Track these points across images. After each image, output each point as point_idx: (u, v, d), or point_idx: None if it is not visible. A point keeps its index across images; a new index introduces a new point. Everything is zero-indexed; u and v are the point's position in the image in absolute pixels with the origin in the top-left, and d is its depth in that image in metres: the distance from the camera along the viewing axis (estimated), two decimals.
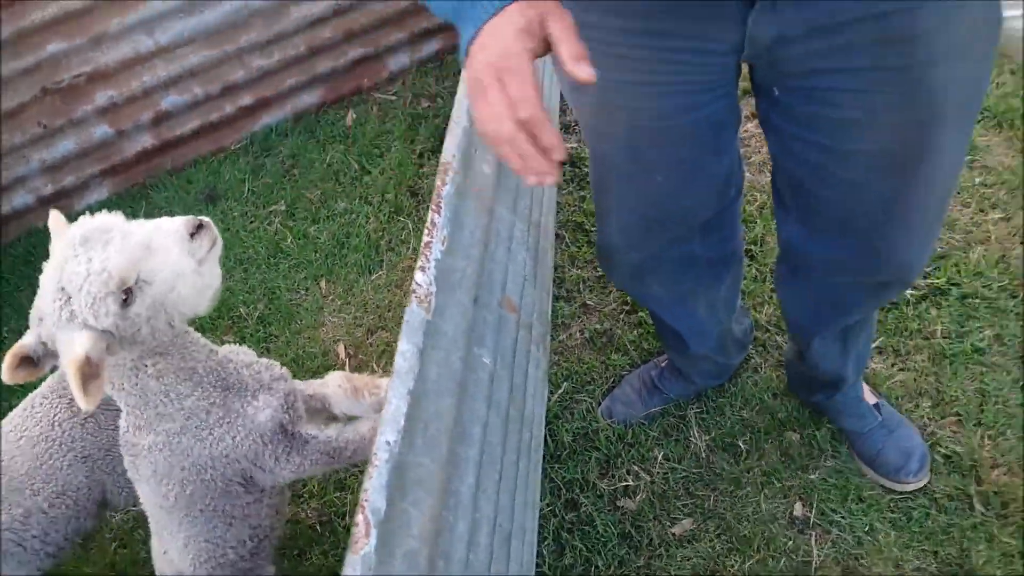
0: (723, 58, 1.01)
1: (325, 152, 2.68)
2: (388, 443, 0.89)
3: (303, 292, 2.24)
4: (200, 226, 1.08)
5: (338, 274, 2.26)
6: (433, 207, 1.14)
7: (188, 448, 1.16)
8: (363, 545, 0.80)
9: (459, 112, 1.28)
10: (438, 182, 1.17)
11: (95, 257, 0.99)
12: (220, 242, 1.12)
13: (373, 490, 0.84)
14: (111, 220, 1.05)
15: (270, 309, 2.21)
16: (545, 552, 1.59)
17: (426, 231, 1.11)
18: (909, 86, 0.93)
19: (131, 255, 1.01)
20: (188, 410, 1.15)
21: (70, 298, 1.00)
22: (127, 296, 1.01)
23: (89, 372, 1.00)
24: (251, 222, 2.48)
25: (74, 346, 0.99)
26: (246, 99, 2.73)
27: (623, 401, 1.78)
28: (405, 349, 0.99)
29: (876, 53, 0.91)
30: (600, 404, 1.81)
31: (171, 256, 1.04)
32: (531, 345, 1.56)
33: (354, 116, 2.80)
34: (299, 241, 2.38)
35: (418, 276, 1.06)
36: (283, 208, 2.50)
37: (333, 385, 1.37)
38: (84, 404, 0.98)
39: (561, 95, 2.07)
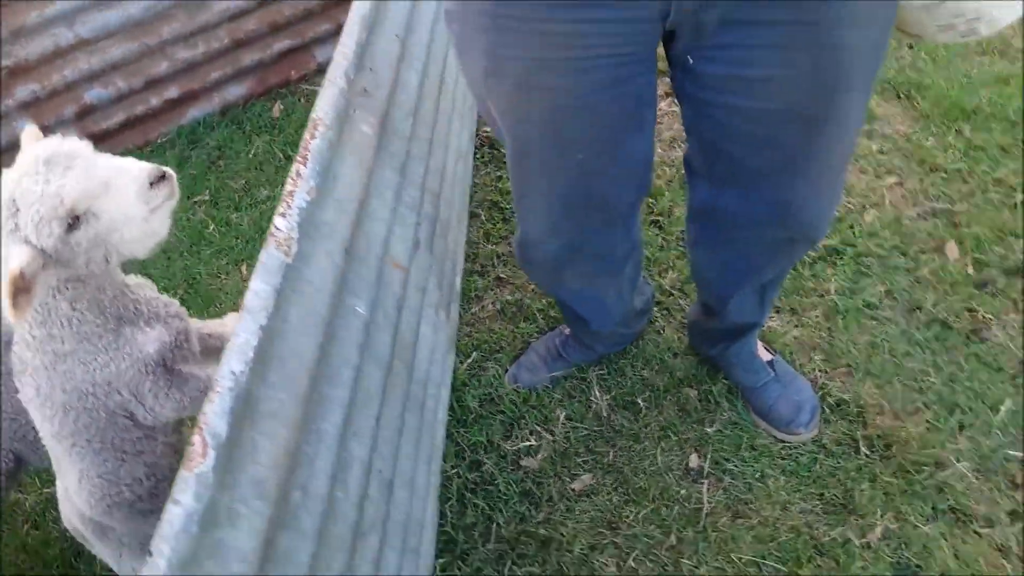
0: (648, 26, 1.01)
1: (251, 143, 2.70)
2: (233, 372, 0.92)
3: (224, 277, 2.26)
4: (163, 177, 1.12)
5: (259, 258, 2.28)
6: (299, 159, 1.17)
7: (71, 371, 1.17)
8: (198, 464, 0.83)
9: (335, 73, 1.32)
10: (307, 136, 1.21)
11: (53, 180, 1.03)
12: (177, 195, 1.16)
13: (213, 414, 0.87)
14: (79, 147, 1.08)
15: (190, 294, 2.23)
16: (448, 511, 1.62)
17: (290, 181, 1.14)
18: (820, 44, 0.97)
19: (88, 188, 1.05)
20: (81, 335, 1.17)
21: (19, 211, 1.03)
22: (73, 223, 1.05)
23: (22, 286, 1.03)
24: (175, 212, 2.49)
25: (12, 259, 1.03)
26: (172, 92, 2.74)
27: (528, 367, 1.82)
28: (258, 288, 1.03)
29: (792, 6, 0.94)
30: (507, 370, 1.84)
31: (126, 199, 1.07)
32: (426, 308, 1.59)
33: (281, 107, 2.82)
34: (221, 228, 2.40)
35: (278, 221, 1.09)
36: (207, 198, 2.52)
37: (231, 325, 1.40)
38: (12, 316, 1.02)
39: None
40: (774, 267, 1.43)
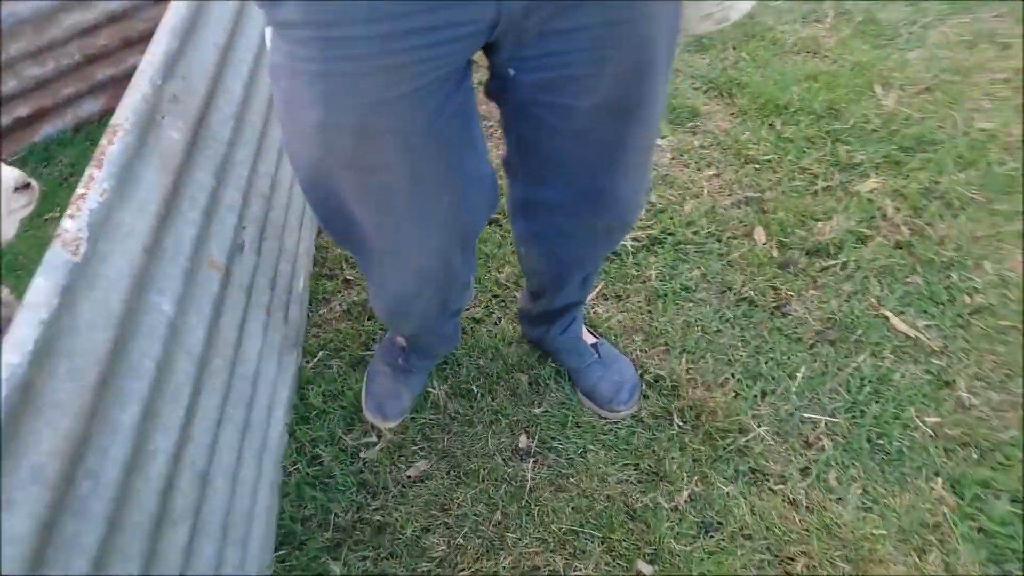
0: (474, 40, 0.99)
1: None
2: (10, 364, 0.96)
3: None
4: (27, 186, 1.23)
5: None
6: (94, 164, 1.21)
7: None
8: None
9: (140, 80, 1.36)
10: (103, 141, 1.25)
11: None
12: (34, 206, 1.28)
13: None
14: None
15: None
16: (287, 505, 1.67)
17: (82, 184, 1.18)
18: (633, 39, 1.02)
19: None
20: None
21: None
22: None
23: None
24: (25, 231, 2.47)
25: None
26: (21, 110, 2.72)
27: (389, 395, 1.80)
28: (39, 284, 1.07)
29: (606, 7, 0.98)
30: (351, 367, 1.90)
31: None
32: (253, 308, 1.64)
33: None
34: None
35: (66, 223, 1.13)
36: (57, 215, 2.50)
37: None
38: None
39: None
40: (595, 255, 1.53)
